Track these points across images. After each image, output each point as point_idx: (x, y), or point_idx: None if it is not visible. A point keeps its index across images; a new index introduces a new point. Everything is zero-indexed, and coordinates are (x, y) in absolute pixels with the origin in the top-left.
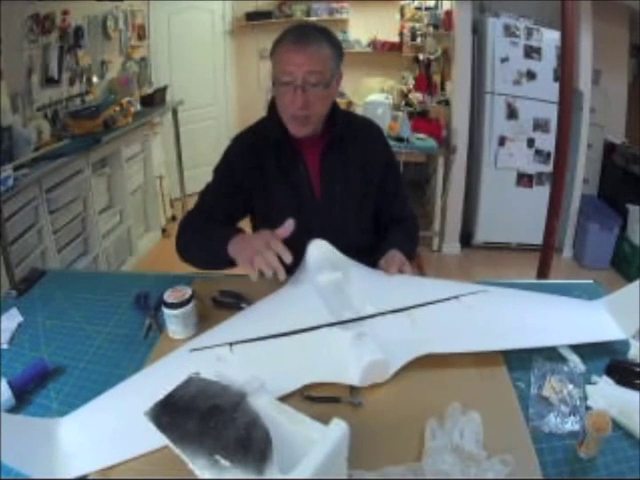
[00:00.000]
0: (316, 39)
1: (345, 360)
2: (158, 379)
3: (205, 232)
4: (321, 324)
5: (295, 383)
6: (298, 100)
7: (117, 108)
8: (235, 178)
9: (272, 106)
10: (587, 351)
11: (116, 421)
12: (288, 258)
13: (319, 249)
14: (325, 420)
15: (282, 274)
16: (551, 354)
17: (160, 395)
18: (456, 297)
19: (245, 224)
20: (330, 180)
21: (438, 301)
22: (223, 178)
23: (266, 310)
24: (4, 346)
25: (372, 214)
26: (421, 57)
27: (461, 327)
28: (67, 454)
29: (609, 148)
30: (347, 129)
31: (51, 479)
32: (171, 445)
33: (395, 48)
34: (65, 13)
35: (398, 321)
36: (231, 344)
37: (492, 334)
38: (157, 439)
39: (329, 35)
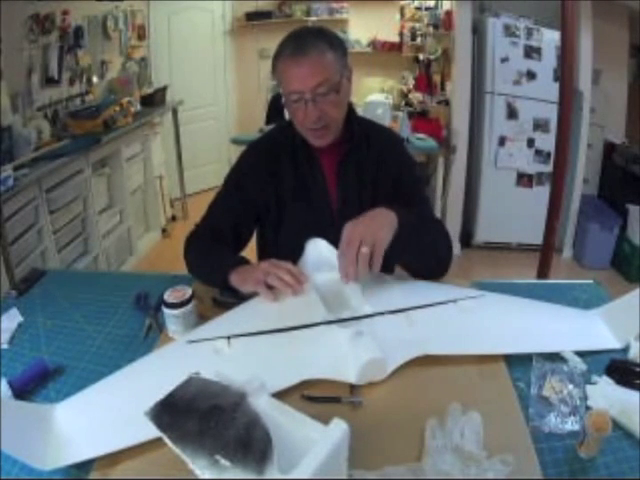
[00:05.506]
0: (314, 46)
1: (343, 358)
2: (155, 370)
3: (208, 258)
4: (319, 321)
5: (292, 379)
6: (311, 114)
7: (117, 108)
8: (247, 188)
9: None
10: (587, 351)
11: (112, 410)
12: (303, 278)
13: (318, 248)
14: (325, 420)
15: (300, 288)
16: (551, 354)
17: (157, 386)
18: (454, 301)
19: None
20: (347, 188)
21: (436, 304)
22: (234, 189)
23: (265, 305)
24: (4, 346)
25: None
26: (421, 57)
27: (458, 330)
28: (61, 441)
29: (609, 148)
30: (363, 136)
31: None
32: (171, 445)
33: (395, 48)
34: (65, 13)
35: (396, 321)
36: (229, 337)
37: (487, 339)
38: (153, 429)
39: (327, 36)
